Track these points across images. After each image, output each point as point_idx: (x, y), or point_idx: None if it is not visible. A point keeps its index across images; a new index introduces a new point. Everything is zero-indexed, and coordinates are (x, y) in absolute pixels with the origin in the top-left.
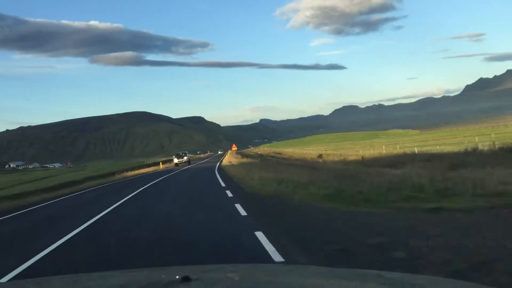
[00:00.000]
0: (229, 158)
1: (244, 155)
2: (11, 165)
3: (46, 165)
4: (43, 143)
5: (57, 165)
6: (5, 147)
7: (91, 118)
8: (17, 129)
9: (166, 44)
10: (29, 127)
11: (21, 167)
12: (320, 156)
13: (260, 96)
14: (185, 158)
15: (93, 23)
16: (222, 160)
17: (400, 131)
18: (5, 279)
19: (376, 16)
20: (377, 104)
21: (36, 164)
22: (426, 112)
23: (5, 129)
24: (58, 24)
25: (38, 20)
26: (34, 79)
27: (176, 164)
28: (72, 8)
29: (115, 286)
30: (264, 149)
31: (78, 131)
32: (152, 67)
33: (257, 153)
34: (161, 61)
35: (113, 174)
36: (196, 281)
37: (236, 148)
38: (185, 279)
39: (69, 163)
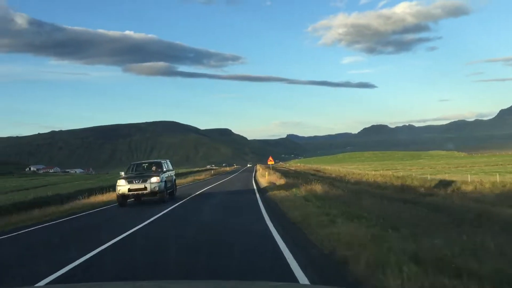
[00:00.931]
0: (268, 176)
1: (282, 173)
2: (32, 168)
3: (68, 170)
4: (71, 148)
5: (78, 170)
6: (34, 150)
7: (119, 126)
8: (48, 133)
9: (198, 56)
10: (59, 132)
11: (42, 171)
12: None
13: (288, 112)
14: (155, 180)
15: (128, 33)
16: (256, 176)
17: (443, 152)
18: None
19: (410, 36)
20: (407, 124)
21: (57, 169)
22: (459, 135)
23: (37, 133)
24: (95, 33)
25: (75, 28)
26: (68, 85)
27: (123, 195)
28: (109, 18)
29: None
30: (296, 164)
31: (106, 138)
32: (183, 78)
33: (289, 169)
34: (193, 72)
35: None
36: None
37: (273, 162)
38: None
39: (90, 169)
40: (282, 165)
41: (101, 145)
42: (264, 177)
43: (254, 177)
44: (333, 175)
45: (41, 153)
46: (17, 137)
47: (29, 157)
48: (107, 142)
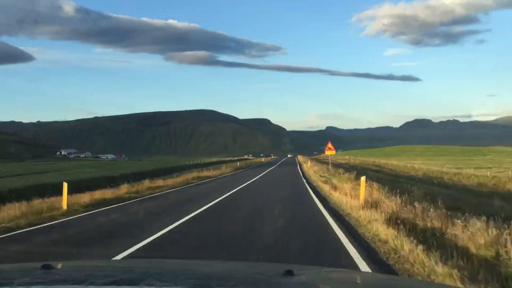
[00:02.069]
0: (329, 175)
1: (344, 169)
2: (62, 152)
3: (99, 155)
4: (112, 134)
5: (110, 156)
6: (77, 135)
7: (159, 113)
8: (90, 119)
9: (239, 46)
10: (101, 118)
11: (73, 155)
12: None
13: (328, 103)
14: None
15: (171, 21)
16: (305, 174)
17: (508, 148)
18: None
19: (458, 28)
20: (451, 119)
21: (89, 153)
22: (506, 131)
23: (79, 118)
24: (139, 21)
25: (120, 16)
26: (112, 72)
27: None
28: (153, 6)
29: (219, 274)
30: (344, 157)
31: (146, 124)
32: (224, 67)
33: (341, 163)
34: (233, 62)
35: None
36: (298, 276)
37: (333, 151)
38: (288, 272)
39: (123, 155)
40: (323, 156)
41: (142, 131)
42: (325, 180)
43: (304, 176)
44: (411, 173)
45: (82, 138)
46: (61, 121)
47: (71, 141)
48: (147, 129)
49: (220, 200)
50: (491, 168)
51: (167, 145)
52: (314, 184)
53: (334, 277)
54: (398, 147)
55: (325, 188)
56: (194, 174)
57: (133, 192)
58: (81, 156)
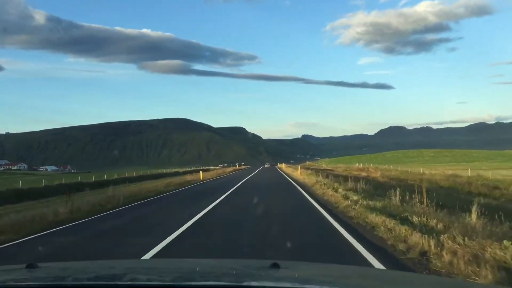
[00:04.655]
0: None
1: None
2: None
3: (39, 167)
4: (80, 145)
5: (50, 168)
6: (43, 147)
7: (130, 122)
8: (57, 129)
9: (215, 55)
10: (69, 128)
11: (2, 168)
12: None
13: (304, 112)
14: None
15: (145, 31)
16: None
17: None
18: None
19: (430, 36)
20: (425, 126)
21: (24, 165)
22: (480, 137)
23: (45, 128)
24: (112, 31)
25: (93, 25)
26: (84, 82)
27: None
28: (126, 16)
29: (204, 269)
30: (337, 165)
31: (116, 134)
32: (198, 76)
33: (326, 170)
34: (208, 71)
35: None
36: (284, 269)
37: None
38: (274, 266)
39: (68, 166)
40: (312, 164)
41: (111, 142)
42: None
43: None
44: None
45: (49, 150)
46: (28, 132)
47: (37, 153)
48: (117, 139)
49: None
50: None
51: (139, 155)
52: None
53: (320, 271)
54: (401, 152)
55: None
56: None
57: None
58: (12, 168)
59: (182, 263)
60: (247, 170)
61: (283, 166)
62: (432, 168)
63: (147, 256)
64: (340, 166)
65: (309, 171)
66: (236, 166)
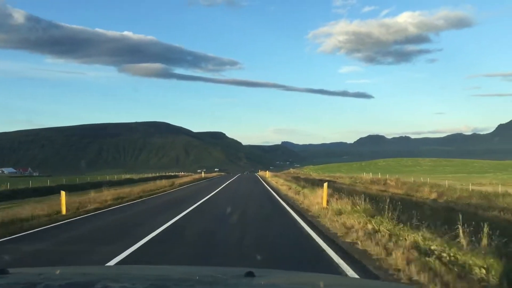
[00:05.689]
0: None
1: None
2: None
3: None
4: (54, 147)
5: (7, 170)
6: (16, 148)
7: (107, 125)
8: (30, 130)
9: (196, 60)
10: (43, 129)
11: None
12: None
13: (284, 118)
14: None
15: (127, 33)
16: None
17: None
18: None
19: (410, 47)
20: (403, 136)
21: None
22: (457, 148)
23: (19, 129)
24: (93, 32)
25: (73, 26)
26: (63, 83)
27: None
28: (108, 18)
29: (178, 276)
30: (324, 174)
31: (93, 136)
32: (179, 80)
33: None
34: (189, 75)
35: None
36: (259, 277)
37: None
38: (249, 274)
39: (29, 169)
40: (298, 172)
41: (88, 144)
42: None
43: None
44: None
45: (22, 151)
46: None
47: (9, 155)
48: (93, 141)
49: None
50: None
51: (115, 158)
52: None
53: (295, 279)
54: (394, 160)
55: None
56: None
57: None
58: None
59: (157, 270)
60: (212, 183)
61: (267, 174)
62: (440, 179)
63: None
64: (340, 176)
65: (306, 185)
66: (201, 173)
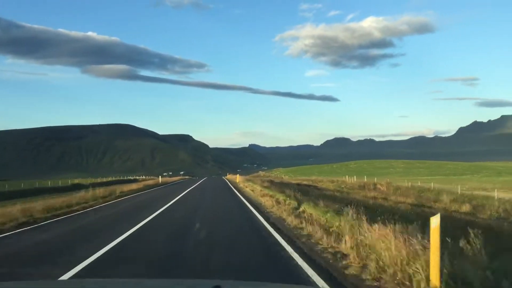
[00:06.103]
0: None
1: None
2: None
3: None
4: (15, 150)
5: None
6: None
7: (70, 127)
8: None
9: (163, 62)
10: (4, 132)
11: None
12: None
13: (251, 121)
14: None
15: (91, 34)
16: None
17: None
18: None
19: (375, 51)
20: (368, 138)
21: None
22: (419, 150)
23: None
24: (55, 32)
25: (34, 26)
26: (23, 85)
27: None
28: (71, 18)
29: None
30: (298, 178)
31: (55, 139)
32: (145, 82)
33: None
34: (155, 77)
35: None
36: None
37: None
38: (217, 287)
39: None
40: (268, 175)
41: (50, 147)
42: None
43: None
44: None
45: None
46: None
47: None
48: (56, 144)
49: None
50: None
51: (78, 161)
52: None
53: None
54: (367, 162)
55: None
56: None
57: None
58: None
59: (125, 284)
60: (163, 194)
61: (237, 179)
62: (423, 182)
63: None
64: (318, 179)
65: (296, 195)
66: (158, 179)
